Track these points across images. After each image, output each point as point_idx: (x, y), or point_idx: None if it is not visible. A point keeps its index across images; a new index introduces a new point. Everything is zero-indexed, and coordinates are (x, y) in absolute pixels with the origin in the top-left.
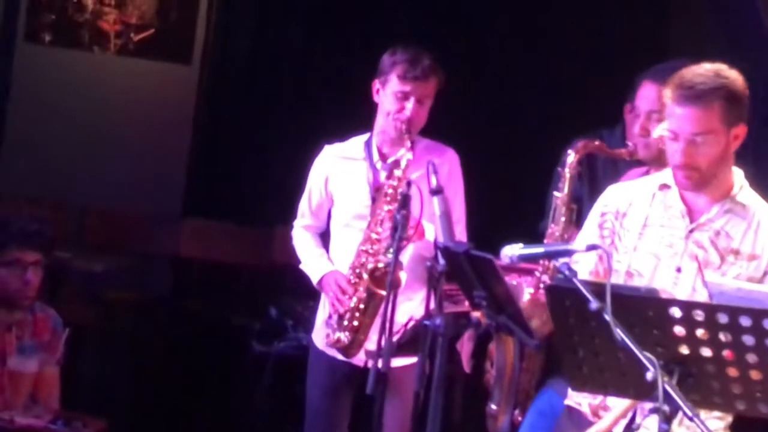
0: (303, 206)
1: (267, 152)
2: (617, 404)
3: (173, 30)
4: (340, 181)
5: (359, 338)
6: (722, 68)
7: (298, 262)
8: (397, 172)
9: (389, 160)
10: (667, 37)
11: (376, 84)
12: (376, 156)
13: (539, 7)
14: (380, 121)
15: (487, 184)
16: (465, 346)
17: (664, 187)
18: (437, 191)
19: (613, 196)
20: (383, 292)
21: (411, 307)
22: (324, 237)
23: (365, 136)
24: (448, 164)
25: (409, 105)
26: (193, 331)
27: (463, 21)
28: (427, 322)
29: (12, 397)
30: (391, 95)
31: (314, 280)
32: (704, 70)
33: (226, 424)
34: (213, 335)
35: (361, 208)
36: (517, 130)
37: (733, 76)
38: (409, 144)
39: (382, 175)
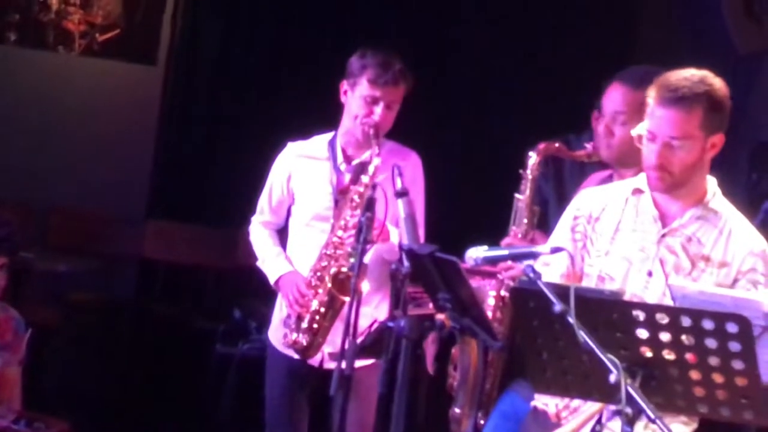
0: (263, 202)
1: (232, 154)
2: (585, 407)
3: (139, 30)
4: (302, 180)
5: (318, 341)
6: (708, 75)
7: (255, 258)
8: (365, 178)
9: (354, 162)
10: (634, 46)
11: (344, 85)
12: (340, 158)
13: (510, 10)
14: (346, 123)
15: (453, 186)
16: (429, 349)
17: (638, 192)
18: (402, 194)
19: (586, 201)
20: (345, 298)
21: (371, 311)
22: (281, 233)
23: (329, 135)
24: (411, 168)
25: (378, 110)
26: (157, 333)
27: (432, 23)
28: (391, 325)
29: None
30: (360, 99)
31: (271, 280)
32: (690, 75)
33: (191, 425)
34: (177, 337)
35: (322, 210)
36: (484, 133)
37: (718, 85)
38: (377, 150)
39: (346, 177)
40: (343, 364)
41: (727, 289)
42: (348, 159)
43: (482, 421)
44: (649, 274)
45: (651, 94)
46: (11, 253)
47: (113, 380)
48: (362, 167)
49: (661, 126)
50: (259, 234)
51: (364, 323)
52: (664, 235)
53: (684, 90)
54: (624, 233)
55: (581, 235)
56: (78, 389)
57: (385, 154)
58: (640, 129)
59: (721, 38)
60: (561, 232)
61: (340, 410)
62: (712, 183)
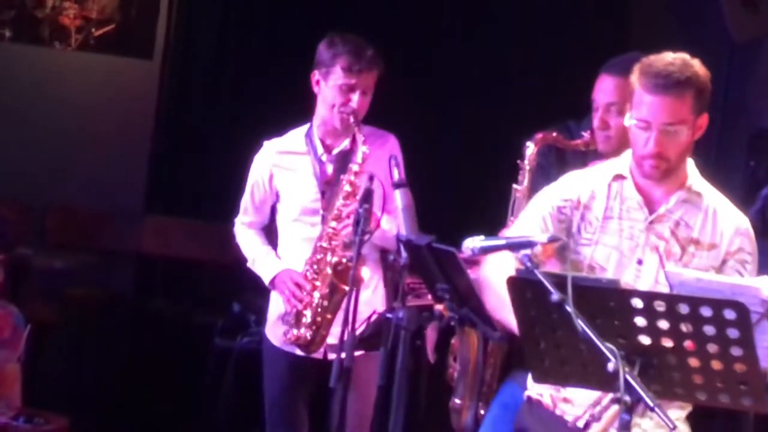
0: (246, 202)
1: (229, 148)
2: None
3: (134, 25)
4: (285, 176)
5: (321, 334)
6: (687, 57)
7: (245, 261)
8: (354, 167)
9: (334, 152)
10: (629, 34)
11: (316, 75)
12: (320, 149)
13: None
14: (321, 112)
15: (451, 177)
16: (429, 336)
17: (619, 177)
18: (400, 184)
19: (573, 186)
20: (347, 288)
21: (369, 295)
22: (268, 232)
23: (304, 128)
24: (390, 151)
25: (356, 97)
26: (155, 328)
27: (427, 12)
28: (389, 316)
29: None
30: (336, 88)
31: (266, 280)
32: (672, 59)
33: (190, 419)
34: (176, 331)
35: (309, 203)
36: (482, 123)
37: (698, 65)
38: (362, 137)
39: (329, 167)
40: (343, 356)
41: (724, 276)
42: (328, 149)
43: (482, 412)
44: (639, 262)
45: (636, 82)
46: (7, 249)
47: (112, 375)
48: (345, 156)
49: (654, 113)
50: (244, 235)
51: (363, 309)
52: (651, 222)
53: (675, 75)
54: (612, 221)
55: (566, 218)
56: (77, 385)
57: (364, 140)
58: (630, 119)
59: (717, 26)
60: (536, 214)
61: (340, 402)
62: (691, 165)
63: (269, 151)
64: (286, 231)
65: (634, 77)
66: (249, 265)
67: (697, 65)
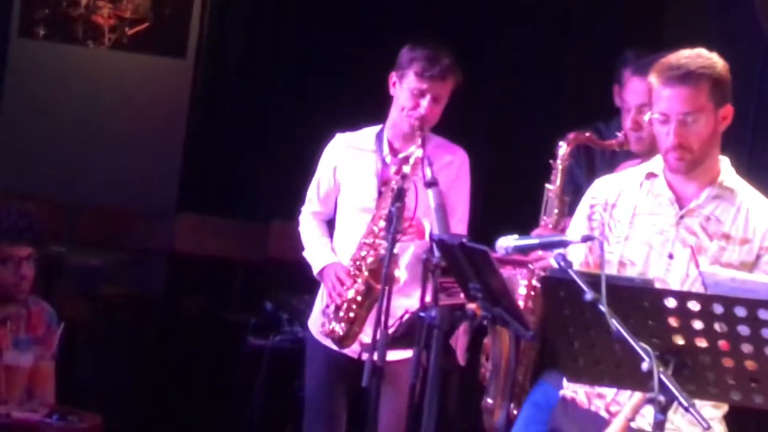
0: (311, 193)
1: (262, 147)
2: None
3: (168, 24)
4: (348, 171)
5: (354, 330)
6: (703, 51)
7: (302, 248)
8: (406, 168)
9: (400, 156)
10: (662, 35)
11: (393, 77)
12: (386, 150)
13: (537, 1)
14: (394, 115)
15: (484, 176)
16: (460, 339)
17: (651, 175)
18: (432, 183)
19: (601, 189)
20: (380, 287)
21: (408, 304)
22: (330, 224)
23: (377, 128)
24: (458, 163)
25: (425, 103)
26: (188, 326)
27: (459, 16)
28: (422, 315)
29: (7, 391)
30: (408, 91)
31: (315, 270)
32: (687, 53)
33: (222, 418)
34: (208, 330)
35: (367, 201)
36: (515, 123)
37: (715, 57)
38: (420, 141)
39: (392, 169)
40: (375, 356)
41: (759, 275)
42: (394, 152)
43: (515, 412)
44: (670, 256)
45: (653, 78)
46: (35, 243)
47: (145, 374)
48: (406, 159)
49: (672, 105)
50: (307, 224)
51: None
52: (682, 217)
53: (686, 66)
54: (642, 217)
55: (598, 223)
56: (110, 383)
57: (432, 150)
58: (650, 115)
59: (752, 27)
60: (578, 223)
61: (373, 401)
62: (724, 162)
63: (338, 144)
64: (342, 226)
65: (652, 77)
66: (304, 253)
67: (714, 57)
